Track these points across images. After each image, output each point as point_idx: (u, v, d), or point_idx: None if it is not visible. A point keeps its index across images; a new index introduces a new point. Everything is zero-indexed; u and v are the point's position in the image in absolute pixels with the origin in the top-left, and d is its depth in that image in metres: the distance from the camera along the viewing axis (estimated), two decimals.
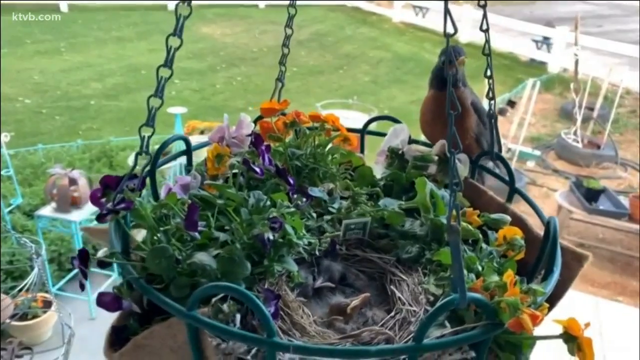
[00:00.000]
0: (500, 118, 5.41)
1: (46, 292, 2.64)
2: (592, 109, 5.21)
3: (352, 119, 4.06)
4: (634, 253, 3.82)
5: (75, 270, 2.94)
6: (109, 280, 2.86)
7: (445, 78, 0.94)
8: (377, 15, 10.33)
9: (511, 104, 5.59)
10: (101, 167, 3.97)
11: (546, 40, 7.74)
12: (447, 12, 0.54)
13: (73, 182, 2.73)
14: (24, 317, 2.43)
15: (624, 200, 3.85)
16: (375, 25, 9.83)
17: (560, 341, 0.57)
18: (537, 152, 5.09)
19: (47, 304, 2.55)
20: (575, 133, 5.13)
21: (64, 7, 8.79)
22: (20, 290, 2.28)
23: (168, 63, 0.63)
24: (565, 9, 10.47)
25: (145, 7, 9.22)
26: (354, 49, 8.40)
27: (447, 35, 0.56)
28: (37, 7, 7.84)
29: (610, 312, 3.16)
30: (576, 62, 5.39)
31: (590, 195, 3.84)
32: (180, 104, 4.00)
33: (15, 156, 3.90)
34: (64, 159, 4.01)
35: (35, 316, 2.50)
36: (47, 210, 2.74)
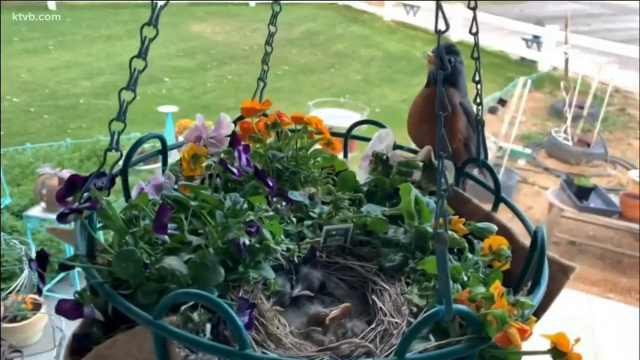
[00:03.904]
0: (491, 117, 5.43)
1: (35, 293, 2.60)
2: (582, 107, 5.22)
3: (344, 117, 4.04)
4: (624, 250, 3.83)
5: (66, 272, 2.92)
6: None
7: (434, 75, 0.91)
8: (368, 13, 10.31)
9: (502, 102, 5.59)
10: (91, 167, 3.93)
11: (536, 39, 7.75)
12: (439, 7, 0.51)
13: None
14: (12, 319, 2.39)
15: (614, 198, 3.86)
16: (366, 23, 9.81)
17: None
18: (528, 151, 5.10)
19: (37, 306, 2.51)
20: (565, 131, 5.14)
21: (51, 5, 8.70)
22: (11, 292, 2.25)
23: (142, 54, 0.60)
24: (554, 8, 10.49)
25: (135, 4, 9.14)
26: (345, 47, 8.37)
27: (438, 32, 0.54)
28: (24, 6, 7.75)
29: (602, 309, 3.16)
30: (566, 61, 5.40)
31: (581, 193, 3.84)
32: (171, 103, 3.97)
33: (3, 155, 3.85)
34: (53, 158, 3.97)
35: (24, 318, 2.46)
36: (36, 211, 2.70)
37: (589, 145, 5.14)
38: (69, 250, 2.77)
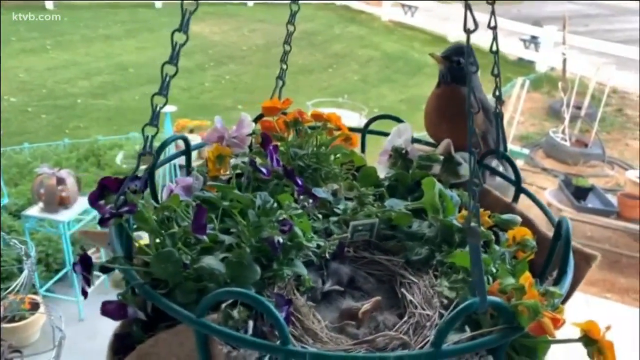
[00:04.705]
0: None
1: (34, 293, 2.59)
2: (579, 108, 5.25)
3: (343, 117, 4.04)
4: (622, 250, 3.86)
5: (63, 272, 2.92)
6: (97, 281, 2.82)
7: (443, 75, 0.93)
8: (366, 13, 10.34)
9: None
10: (89, 167, 3.93)
11: (534, 40, 7.79)
12: (467, 7, 0.53)
13: (61, 181, 2.69)
14: (11, 319, 2.38)
15: (612, 198, 3.89)
16: (364, 23, 9.84)
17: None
18: (526, 151, 5.12)
19: (35, 306, 2.51)
20: (563, 132, 5.17)
21: (49, 5, 8.68)
22: (11, 292, 2.24)
23: (174, 60, 0.61)
24: (552, 9, 10.55)
25: (133, 5, 9.13)
26: (343, 47, 8.40)
27: (467, 31, 0.55)
28: (22, 6, 7.72)
29: (600, 309, 3.19)
30: (564, 61, 5.44)
31: (579, 194, 3.87)
32: (169, 102, 3.96)
33: (1, 155, 3.85)
34: (50, 158, 3.96)
35: (22, 318, 2.45)
36: (34, 210, 2.69)
37: (586, 145, 5.17)
38: (68, 251, 2.76)
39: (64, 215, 2.66)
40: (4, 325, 2.34)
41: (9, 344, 2.18)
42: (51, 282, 2.84)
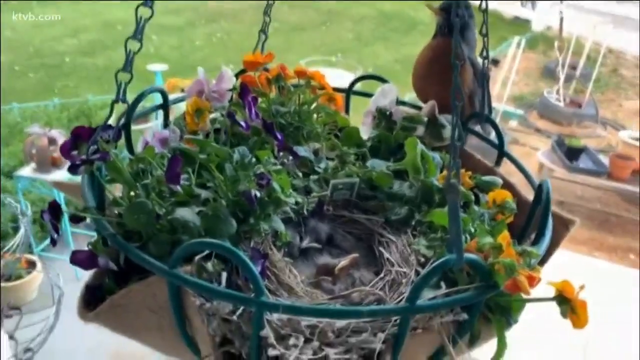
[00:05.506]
0: None
1: (30, 253, 2.60)
2: (575, 68, 5.19)
3: (337, 76, 3.99)
4: (611, 210, 3.89)
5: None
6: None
7: (440, 26, 0.90)
8: None
9: (495, 62, 5.54)
10: None
11: None
12: None
13: (52, 141, 2.66)
14: (7, 278, 2.39)
15: (604, 159, 3.90)
16: None
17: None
18: (520, 111, 5.10)
19: (32, 265, 2.52)
20: (557, 92, 5.13)
21: None
22: (7, 251, 2.24)
23: (148, 3, 0.58)
24: None
25: None
26: (337, 5, 8.20)
27: None
28: None
29: (588, 267, 3.24)
30: (561, 20, 5.34)
31: (571, 154, 3.88)
32: (160, 61, 3.89)
33: None
34: (40, 118, 3.90)
35: (19, 277, 2.46)
36: (26, 171, 2.67)
37: (580, 106, 5.15)
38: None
39: (56, 176, 2.64)
40: (1, 284, 2.35)
41: (8, 301, 2.20)
42: (46, 242, 2.84)
